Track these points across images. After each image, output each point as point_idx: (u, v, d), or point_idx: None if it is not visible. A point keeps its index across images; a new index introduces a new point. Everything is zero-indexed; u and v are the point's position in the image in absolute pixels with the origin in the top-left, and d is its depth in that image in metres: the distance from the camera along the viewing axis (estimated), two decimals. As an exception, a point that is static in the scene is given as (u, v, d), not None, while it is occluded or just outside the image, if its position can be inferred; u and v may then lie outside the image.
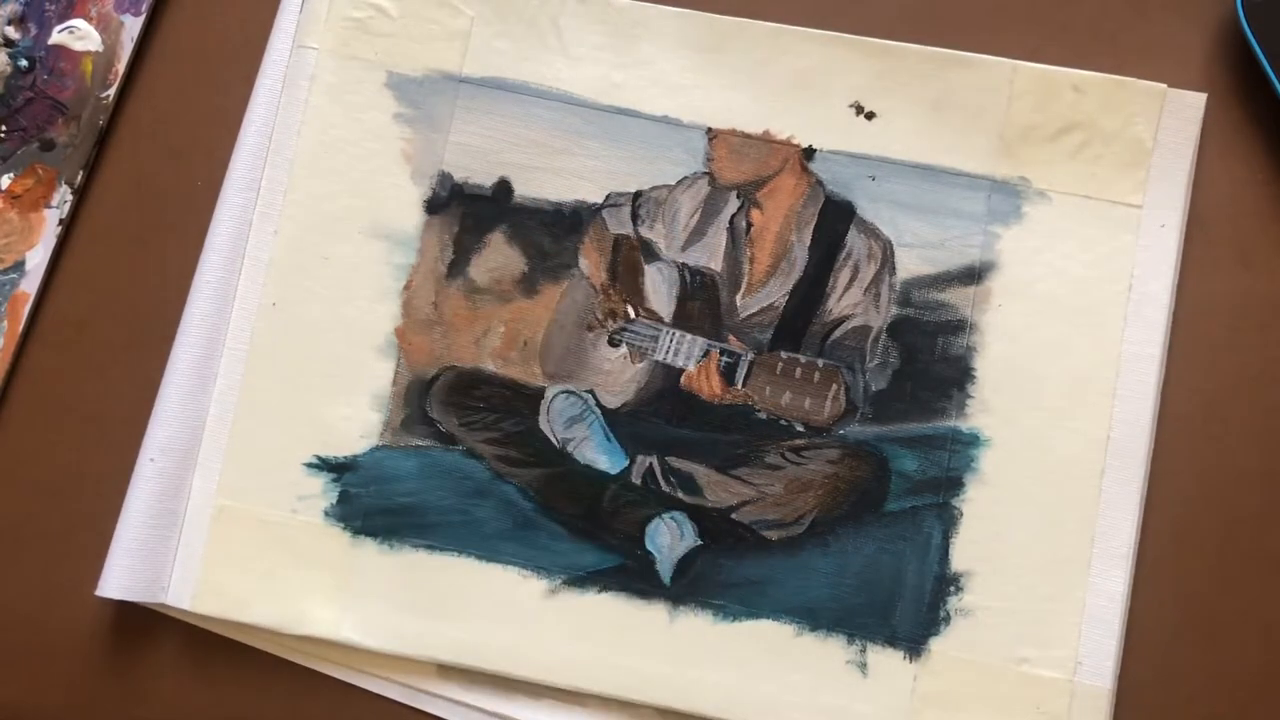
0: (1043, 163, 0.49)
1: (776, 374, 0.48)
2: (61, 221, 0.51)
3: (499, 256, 0.50)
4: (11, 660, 0.49)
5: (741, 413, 0.48)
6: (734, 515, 0.48)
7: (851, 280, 0.49)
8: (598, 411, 0.49)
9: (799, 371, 0.48)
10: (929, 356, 0.48)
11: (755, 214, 0.50)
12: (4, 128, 0.52)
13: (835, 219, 0.49)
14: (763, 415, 0.48)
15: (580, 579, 0.47)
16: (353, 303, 0.50)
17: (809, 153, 0.50)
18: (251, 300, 0.50)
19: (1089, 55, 0.50)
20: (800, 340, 0.49)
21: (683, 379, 0.49)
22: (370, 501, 0.48)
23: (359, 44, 0.51)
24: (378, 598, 0.47)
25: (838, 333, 0.49)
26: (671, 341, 0.49)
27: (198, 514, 0.48)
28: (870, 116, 0.50)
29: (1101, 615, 0.46)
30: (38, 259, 0.51)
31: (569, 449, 0.49)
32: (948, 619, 0.46)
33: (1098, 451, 0.47)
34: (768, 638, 0.47)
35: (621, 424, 0.49)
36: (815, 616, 0.47)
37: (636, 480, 0.48)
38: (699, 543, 0.47)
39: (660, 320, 0.49)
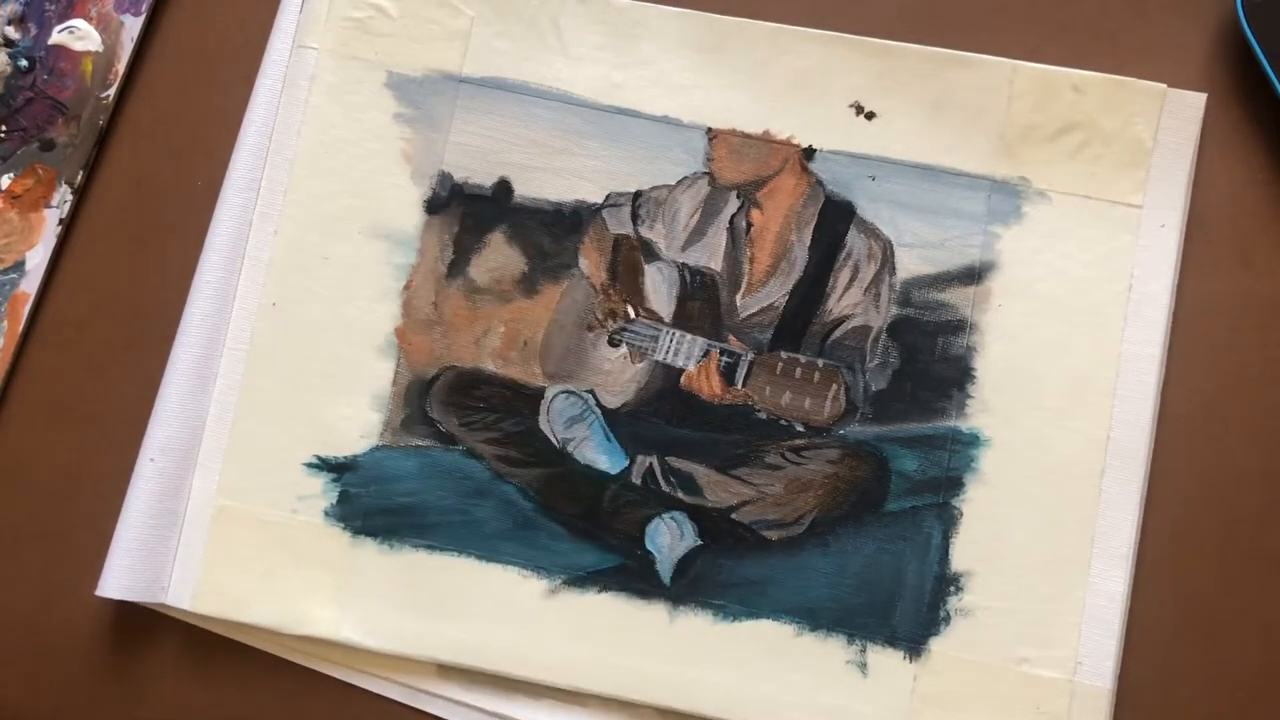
0: (1043, 163, 0.49)
1: (776, 374, 0.48)
2: (61, 221, 0.51)
3: (499, 256, 0.50)
4: (11, 660, 0.49)
5: (741, 413, 0.48)
6: (734, 515, 0.48)
7: (851, 280, 0.49)
8: (598, 411, 0.49)
9: (799, 371, 0.48)
10: (929, 356, 0.48)
11: (755, 214, 0.50)
12: (4, 128, 0.52)
13: (835, 219, 0.49)
14: (763, 415, 0.48)
15: (580, 579, 0.47)
16: (353, 303, 0.50)
17: (809, 153, 0.50)
18: (251, 300, 0.50)
19: (1089, 55, 0.50)
20: (800, 340, 0.49)
21: (683, 379, 0.49)
22: (370, 501, 0.48)
23: (359, 44, 0.51)
24: (378, 598, 0.47)
25: (838, 333, 0.49)
26: (671, 341, 0.49)
27: (198, 514, 0.48)
28: (870, 116, 0.50)
29: (1101, 615, 0.46)
30: (38, 259, 0.51)
31: (569, 449, 0.49)
32: (948, 619, 0.46)
33: (1098, 451, 0.47)
34: (768, 638, 0.47)
35: (621, 424, 0.49)
36: (815, 616, 0.47)
37: (636, 480, 0.48)
38: (699, 543, 0.47)
39: (660, 320, 0.49)
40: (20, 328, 0.50)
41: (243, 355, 0.49)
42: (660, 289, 0.50)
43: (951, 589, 0.46)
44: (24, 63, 0.53)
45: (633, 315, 0.49)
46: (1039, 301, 0.48)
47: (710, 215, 0.50)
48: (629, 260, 0.50)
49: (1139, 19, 0.51)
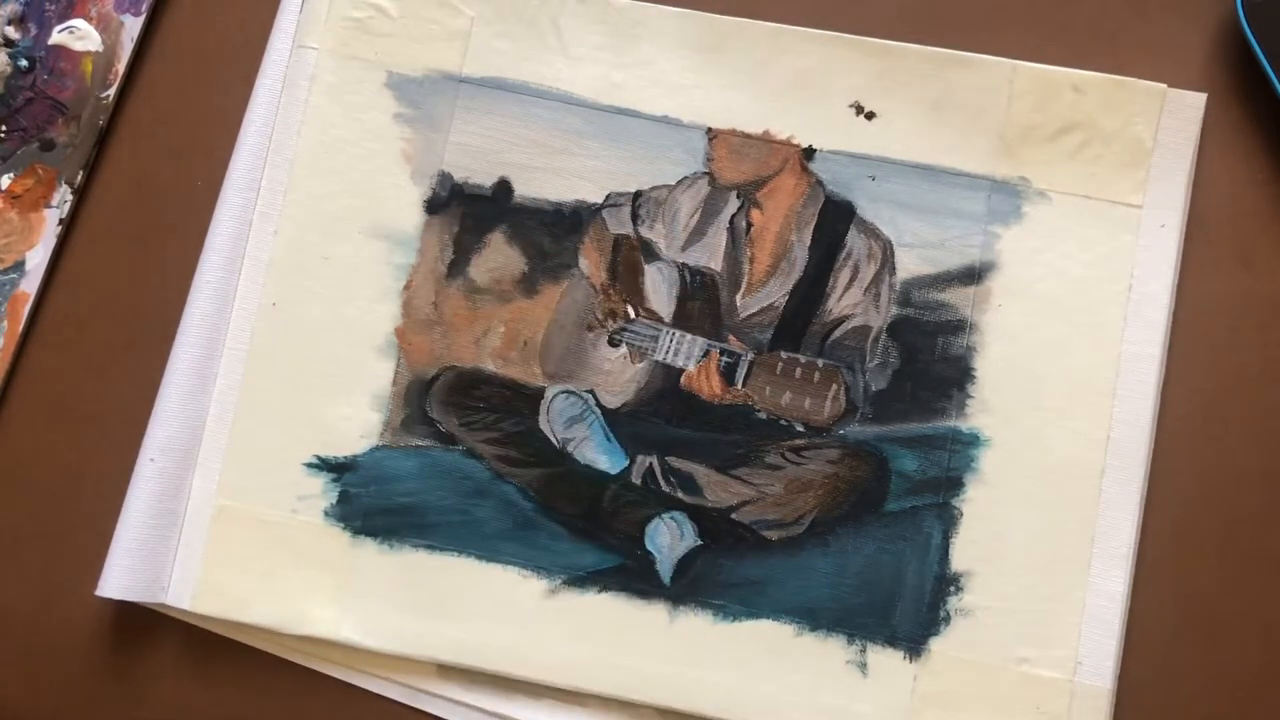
0: (1043, 163, 0.49)
1: (776, 374, 0.48)
2: (61, 221, 0.51)
3: (499, 256, 0.50)
4: (11, 660, 0.49)
5: (741, 413, 0.48)
6: (734, 515, 0.48)
7: (851, 280, 0.49)
8: (598, 411, 0.49)
9: (799, 371, 0.48)
10: (929, 356, 0.48)
11: (755, 214, 0.50)
12: (4, 128, 0.52)
13: (835, 219, 0.49)
14: (763, 415, 0.48)
15: (580, 579, 0.47)
16: (353, 303, 0.50)
17: (809, 153, 0.50)
18: (251, 300, 0.50)
19: (1089, 55, 0.50)
20: (800, 340, 0.49)
21: (683, 379, 0.49)
22: (370, 501, 0.48)
23: (359, 44, 0.51)
24: (378, 598, 0.47)
25: (838, 333, 0.49)
26: (671, 341, 0.49)
27: (198, 514, 0.48)
28: (870, 116, 0.50)
29: (1101, 615, 0.46)
30: (38, 259, 0.51)
31: (569, 449, 0.49)
32: (948, 619, 0.46)
33: (1098, 451, 0.47)
34: (768, 638, 0.47)
35: (621, 424, 0.49)
36: (815, 616, 0.47)
37: (636, 480, 0.48)
38: (699, 543, 0.47)
39: (660, 320, 0.49)
40: (20, 328, 0.50)
41: (243, 355, 0.49)
42: (660, 289, 0.50)
43: (951, 589, 0.46)
44: (24, 63, 0.53)
45: (633, 315, 0.49)
46: (1039, 301, 0.48)
47: (710, 215, 0.50)
48: (629, 260, 0.50)
49: (1139, 19, 0.51)
